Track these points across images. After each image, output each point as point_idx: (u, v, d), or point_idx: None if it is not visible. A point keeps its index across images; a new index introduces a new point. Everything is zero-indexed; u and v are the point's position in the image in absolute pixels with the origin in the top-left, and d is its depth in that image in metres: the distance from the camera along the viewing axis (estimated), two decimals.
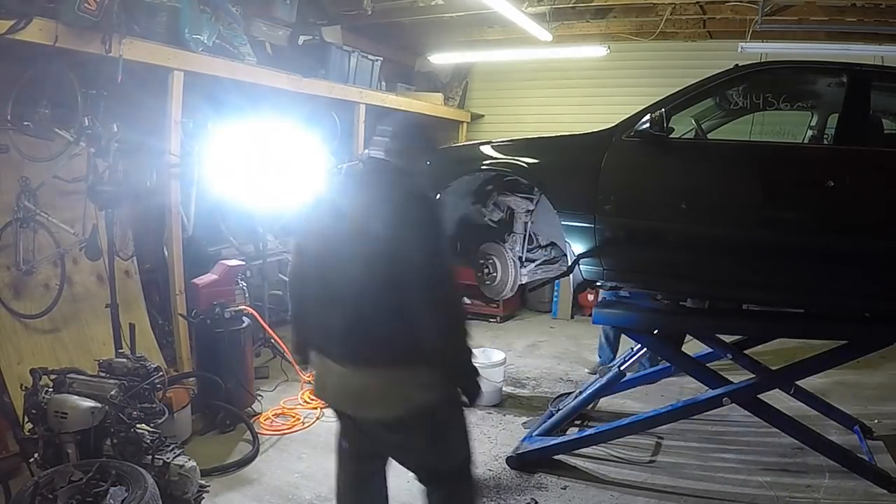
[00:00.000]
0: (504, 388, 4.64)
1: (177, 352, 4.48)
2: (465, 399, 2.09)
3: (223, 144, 4.77)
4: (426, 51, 7.53)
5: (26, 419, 2.83)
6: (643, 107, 3.13)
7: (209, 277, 4.54)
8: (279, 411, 4.26)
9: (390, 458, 2.27)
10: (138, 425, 2.82)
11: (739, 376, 3.49)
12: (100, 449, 2.71)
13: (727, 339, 3.72)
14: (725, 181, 3.04)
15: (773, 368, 3.46)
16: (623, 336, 4.55)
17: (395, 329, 1.95)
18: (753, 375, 3.45)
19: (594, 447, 3.60)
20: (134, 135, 3.88)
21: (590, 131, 3.31)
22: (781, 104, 3.58)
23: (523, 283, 3.73)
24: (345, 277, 1.98)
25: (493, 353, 4.64)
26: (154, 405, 2.97)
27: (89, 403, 2.71)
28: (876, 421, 4.01)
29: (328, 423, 4.13)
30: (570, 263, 3.29)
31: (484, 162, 3.53)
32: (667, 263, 3.09)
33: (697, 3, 6.08)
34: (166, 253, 4.56)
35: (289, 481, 3.40)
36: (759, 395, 3.27)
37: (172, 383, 3.52)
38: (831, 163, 2.93)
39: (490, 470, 3.53)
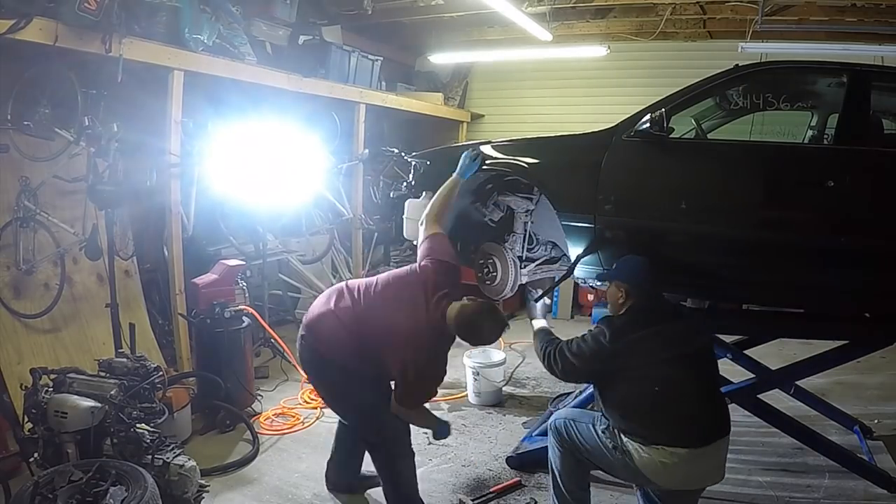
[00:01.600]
0: (504, 388, 4.64)
1: (177, 351, 4.49)
2: None
3: (223, 144, 4.76)
4: (426, 51, 7.53)
5: (26, 419, 2.83)
6: (643, 107, 3.11)
7: (209, 277, 4.54)
8: (279, 411, 4.26)
9: None
10: (138, 425, 2.82)
11: (739, 376, 3.50)
12: (100, 449, 2.71)
13: (727, 339, 3.71)
14: (725, 181, 3.04)
15: (773, 368, 3.46)
16: None
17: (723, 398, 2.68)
18: (753, 375, 3.44)
19: None
20: (134, 135, 3.87)
21: (590, 131, 3.30)
22: (781, 104, 3.57)
23: (523, 282, 3.73)
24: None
25: (493, 353, 4.64)
26: (154, 405, 2.97)
27: (89, 403, 2.71)
28: (876, 421, 4.01)
29: (328, 423, 4.14)
30: (570, 263, 3.29)
31: (484, 161, 3.53)
32: (667, 263, 3.08)
33: (697, 3, 6.08)
34: (166, 253, 4.56)
35: (289, 481, 3.41)
36: (759, 395, 3.27)
37: (172, 383, 3.53)
38: (831, 163, 2.92)
39: (490, 470, 3.53)
